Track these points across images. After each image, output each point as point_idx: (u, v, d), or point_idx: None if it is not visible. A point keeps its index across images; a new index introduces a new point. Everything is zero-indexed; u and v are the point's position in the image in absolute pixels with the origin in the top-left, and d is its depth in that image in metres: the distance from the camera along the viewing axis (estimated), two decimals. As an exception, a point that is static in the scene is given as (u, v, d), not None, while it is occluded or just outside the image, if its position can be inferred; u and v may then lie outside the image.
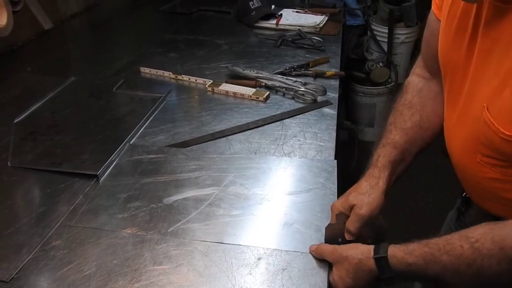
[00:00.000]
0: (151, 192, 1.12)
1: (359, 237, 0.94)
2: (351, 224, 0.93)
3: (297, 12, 2.28)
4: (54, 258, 0.95)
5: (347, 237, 0.93)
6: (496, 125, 0.76)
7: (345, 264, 0.87)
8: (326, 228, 0.97)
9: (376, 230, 0.97)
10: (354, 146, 2.85)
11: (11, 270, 0.92)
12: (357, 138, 2.96)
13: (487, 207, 0.94)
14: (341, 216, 0.95)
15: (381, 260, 0.83)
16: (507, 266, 0.74)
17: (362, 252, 0.86)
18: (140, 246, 0.97)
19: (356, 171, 2.73)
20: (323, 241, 0.96)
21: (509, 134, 0.74)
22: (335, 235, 0.95)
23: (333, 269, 0.89)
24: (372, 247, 0.85)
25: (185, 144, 1.31)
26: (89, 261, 0.93)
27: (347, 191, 0.99)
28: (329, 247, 0.91)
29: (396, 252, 0.82)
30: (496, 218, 0.86)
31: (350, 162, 2.70)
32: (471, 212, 1.07)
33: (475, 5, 0.81)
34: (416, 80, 1.09)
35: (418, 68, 1.10)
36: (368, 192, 0.95)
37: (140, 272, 0.91)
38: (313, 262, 0.92)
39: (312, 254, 0.93)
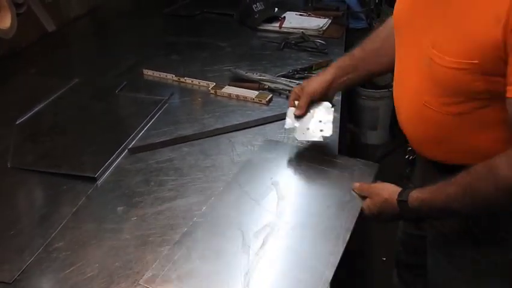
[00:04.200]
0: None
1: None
2: (301, 100, 1.20)
3: (300, 15, 2.28)
4: (57, 260, 0.95)
5: (297, 112, 1.20)
6: (441, 55, 0.89)
7: (375, 199, 1.06)
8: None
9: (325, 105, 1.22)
10: (356, 149, 2.85)
11: (14, 272, 0.92)
12: (359, 141, 2.96)
13: (435, 155, 1.07)
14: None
15: (402, 202, 1.01)
16: (495, 189, 0.86)
17: (389, 193, 1.04)
18: (143, 248, 0.97)
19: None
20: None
21: (452, 59, 0.87)
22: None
23: (367, 200, 1.08)
24: (399, 190, 1.03)
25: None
26: (92, 263, 0.93)
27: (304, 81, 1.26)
28: (366, 185, 1.11)
29: (414, 192, 1.00)
30: (438, 165, 1.05)
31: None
32: (418, 164, 1.26)
33: None
34: (391, 18, 1.22)
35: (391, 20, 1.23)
36: (315, 79, 1.23)
37: (142, 274, 0.90)
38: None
39: (354, 190, 1.10)
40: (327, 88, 1.21)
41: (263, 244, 0.96)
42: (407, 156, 1.29)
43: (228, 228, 1.01)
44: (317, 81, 1.22)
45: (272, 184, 1.13)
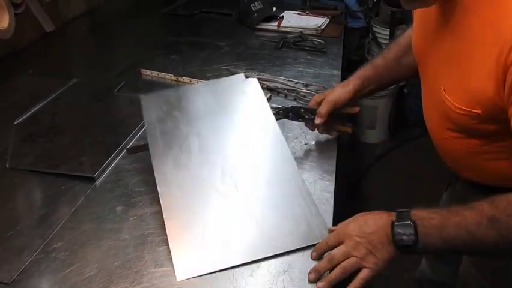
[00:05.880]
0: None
1: (330, 122, 1.23)
2: (321, 108, 1.19)
3: (298, 14, 2.28)
4: (56, 260, 0.95)
5: (317, 120, 1.19)
6: (451, 101, 0.90)
7: (358, 221, 0.89)
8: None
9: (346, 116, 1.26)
10: (355, 147, 2.85)
11: (13, 272, 0.92)
12: (358, 140, 2.97)
13: (468, 177, 1.08)
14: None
15: (402, 212, 0.85)
16: None
17: (375, 212, 0.89)
18: (142, 248, 0.97)
19: (357, 173, 2.74)
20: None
21: (459, 106, 0.88)
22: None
23: (345, 242, 0.87)
24: (393, 215, 0.86)
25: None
26: (91, 263, 0.93)
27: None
28: (332, 228, 0.95)
29: (417, 211, 0.84)
30: (479, 185, 1.02)
31: (351, 163, 2.70)
32: (459, 182, 1.20)
33: (430, 8, 0.94)
34: (403, 37, 1.24)
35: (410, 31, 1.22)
36: (338, 89, 1.22)
37: (141, 274, 0.91)
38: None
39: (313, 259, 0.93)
40: (349, 98, 1.21)
41: (236, 183, 1.03)
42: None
43: (197, 186, 1.03)
44: (340, 91, 1.20)
45: (191, 135, 1.13)
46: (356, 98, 1.22)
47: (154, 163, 1.07)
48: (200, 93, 1.26)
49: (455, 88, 0.90)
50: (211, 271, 0.90)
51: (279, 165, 1.10)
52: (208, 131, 1.14)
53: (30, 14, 1.90)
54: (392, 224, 0.84)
